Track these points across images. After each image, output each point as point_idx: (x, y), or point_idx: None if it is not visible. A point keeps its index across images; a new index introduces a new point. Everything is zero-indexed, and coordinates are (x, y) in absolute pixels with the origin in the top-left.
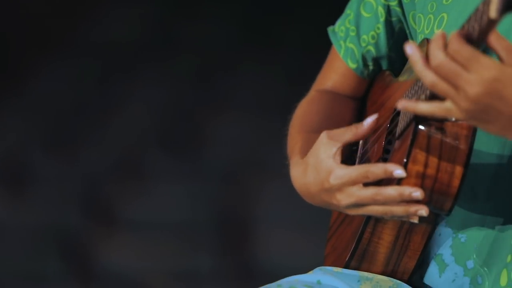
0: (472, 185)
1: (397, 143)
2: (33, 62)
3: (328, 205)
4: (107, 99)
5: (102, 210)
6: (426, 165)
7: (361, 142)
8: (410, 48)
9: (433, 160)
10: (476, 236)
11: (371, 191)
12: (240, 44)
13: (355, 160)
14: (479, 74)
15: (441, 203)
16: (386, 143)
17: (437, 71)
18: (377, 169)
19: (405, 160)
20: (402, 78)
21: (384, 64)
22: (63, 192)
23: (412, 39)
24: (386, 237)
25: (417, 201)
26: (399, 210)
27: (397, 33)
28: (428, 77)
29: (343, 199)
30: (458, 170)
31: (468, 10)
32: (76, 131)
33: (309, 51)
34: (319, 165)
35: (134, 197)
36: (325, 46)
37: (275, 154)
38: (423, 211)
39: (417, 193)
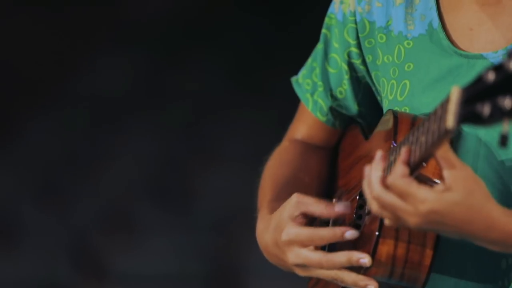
0: (445, 262)
1: (367, 219)
2: (21, 115)
3: (282, 262)
4: (96, 150)
5: (91, 263)
6: (396, 241)
7: (334, 200)
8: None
9: (404, 238)
10: None
11: (318, 255)
12: (231, 93)
13: (328, 220)
14: (414, 207)
15: (414, 279)
16: (358, 207)
17: (378, 202)
18: (326, 233)
19: (377, 233)
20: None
21: (355, 119)
22: (52, 245)
23: (378, 96)
24: None
25: (369, 274)
26: (349, 279)
27: (364, 88)
28: (373, 205)
29: (291, 257)
30: (428, 250)
31: (430, 77)
32: (65, 183)
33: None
34: (279, 223)
35: (124, 249)
36: None
37: None
38: (372, 286)
39: (365, 260)
